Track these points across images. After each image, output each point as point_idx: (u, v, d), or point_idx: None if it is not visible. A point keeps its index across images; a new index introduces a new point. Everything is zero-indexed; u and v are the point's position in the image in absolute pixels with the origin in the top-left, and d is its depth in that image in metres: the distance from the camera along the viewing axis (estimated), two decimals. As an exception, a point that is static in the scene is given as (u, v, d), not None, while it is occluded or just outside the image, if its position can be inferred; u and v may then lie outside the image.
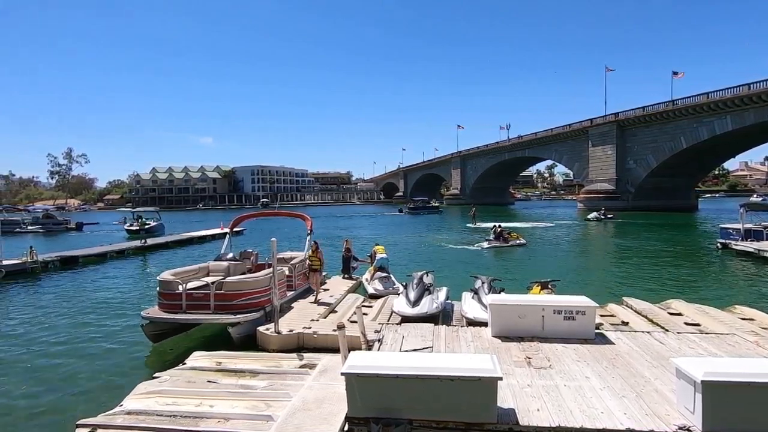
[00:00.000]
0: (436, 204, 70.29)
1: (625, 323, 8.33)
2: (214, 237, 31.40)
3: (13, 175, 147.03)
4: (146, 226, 27.12)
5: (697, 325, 8.01)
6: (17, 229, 40.31)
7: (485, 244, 23.20)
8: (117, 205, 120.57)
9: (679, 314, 8.81)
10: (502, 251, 22.48)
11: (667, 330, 7.57)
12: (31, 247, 18.61)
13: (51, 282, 16.42)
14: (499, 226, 24.92)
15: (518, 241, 24.12)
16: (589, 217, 44.15)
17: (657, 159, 56.28)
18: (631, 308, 9.35)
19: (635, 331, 7.43)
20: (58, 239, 35.32)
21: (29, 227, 42.50)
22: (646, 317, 8.65)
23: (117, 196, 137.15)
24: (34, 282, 16.34)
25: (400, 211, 67.49)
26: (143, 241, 25.89)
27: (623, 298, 10.20)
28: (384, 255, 12.77)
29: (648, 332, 7.30)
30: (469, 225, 39.93)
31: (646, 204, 56.10)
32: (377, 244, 13.94)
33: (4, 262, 16.94)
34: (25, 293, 14.47)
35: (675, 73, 61.40)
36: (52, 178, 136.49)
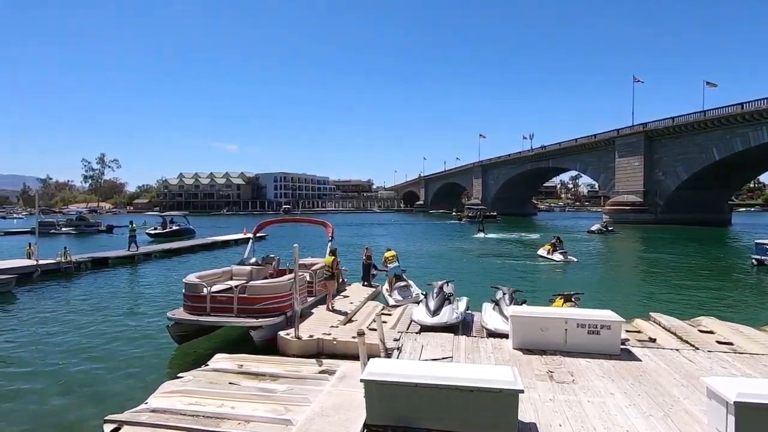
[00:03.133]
0: (494, 213, 70.62)
1: (653, 340, 8.06)
2: (237, 242, 32.04)
3: (50, 178, 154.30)
4: (135, 232, 24.34)
5: (730, 344, 7.67)
6: (52, 231, 42.08)
7: (561, 257, 22.12)
8: (145, 209, 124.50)
9: (711, 332, 8.45)
10: (517, 263, 22.06)
11: (697, 348, 7.29)
12: (65, 248, 19.40)
13: (83, 282, 17.05)
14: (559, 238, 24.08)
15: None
16: (592, 228, 42.94)
17: (687, 171, 54.46)
18: (660, 324, 9.03)
19: (663, 348, 7.19)
20: (89, 241, 36.67)
21: (63, 229, 44.30)
22: (675, 334, 8.34)
23: (146, 200, 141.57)
24: (68, 281, 17.00)
25: (460, 219, 67.63)
26: (135, 248, 23.13)
27: (651, 313, 9.86)
28: (396, 263, 12.70)
29: (677, 350, 7.06)
30: (477, 236, 38.15)
31: (675, 217, 54.24)
32: (388, 249, 13.82)
33: (41, 262, 17.71)
34: (59, 292, 15.07)
35: (708, 83, 59.60)
36: (85, 182, 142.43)
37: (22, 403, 6.48)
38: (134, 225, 24.59)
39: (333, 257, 10.63)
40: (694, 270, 20.13)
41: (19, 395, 6.76)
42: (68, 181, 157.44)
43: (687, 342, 7.81)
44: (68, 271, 18.41)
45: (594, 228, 42.84)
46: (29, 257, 18.53)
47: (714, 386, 4.13)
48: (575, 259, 22.20)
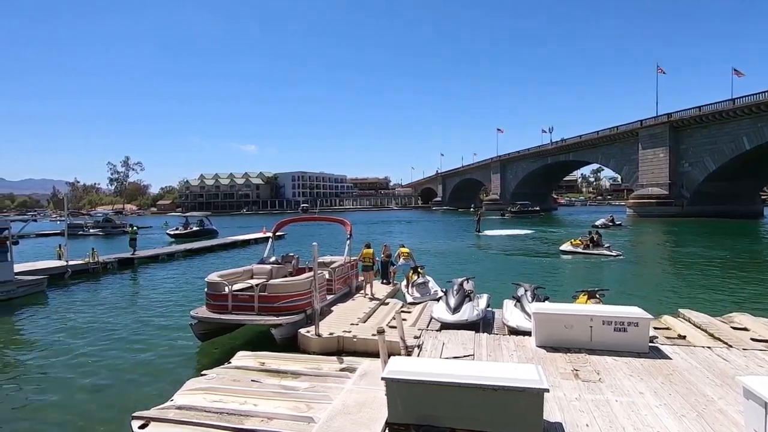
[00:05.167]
0: (537, 208, 69.86)
1: (682, 337, 7.79)
2: (257, 241, 32.49)
3: (78, 181, 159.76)
4: (136, 235, 23.38)
5: (766, 341, 7.35)
6: (80, 232, 43.51)
7: (610, 252, 21.69)
8: (168, 210, 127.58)
9: (745, 329, 8.11)
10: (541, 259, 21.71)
11: (730, 346, 7.00)
12: (93, 249, 20.01)
13: (110, 282, 17.57)
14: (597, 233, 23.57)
15: None
16: (596, 223, 41.19)
17: (716, 162, 52.50)
18: (689, 321, 8.73)
19: (694, 346, 6.94)
20: (116, 241, 37.74)
21: (91, 230, 45.74)
22: (706, 331, 8.04)
23: (168, 201, 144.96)
24: (96, 281, 17.54)
25: (502, 214, 66.86)
26: (132, 251, 22.59)
27: (679, 309, 9.54)
28: (402, 261, 12.83)
29: (709, 347, 6.80)
30: (475, 233, 37.30)
31: (703, 210, 52.40)
32: (402, 246, 13.82)
33: (70, 263, 18.31)
34: (88, 292, 15.56)
35: (736, 71, 57.24)
36: (111, 185, 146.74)
37: (53, 400, 6.69)
38: (135, 228, 24.44)
39: (371, 250, 11.66)
40: (723, 264, 19.40)
41: (50, 392, 7.00)
42: (95, 183, 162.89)
43: (719, 339, 7.52)
44: (96, 272, 18.99)
45: (599, 222, 41.41)
46: (59, 258, 19.18)
47: (751, 386, 3.94)
48: (621, 252, 21.81)
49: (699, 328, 8.27)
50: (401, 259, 12.93)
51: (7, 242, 14.17)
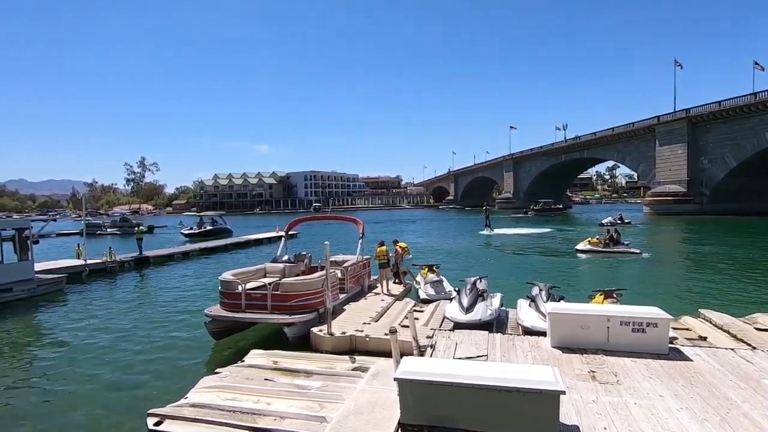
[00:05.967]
0: (560, 206, 68.80)
1: (703, 338, 7.58)
2: (270, 240, 32.74)
3: (96, 182, 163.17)
4: (144, 233, 23.11)
5: (792, 343, 7.10)
6: (98, 232, 44.44)
7: (631, 250, 21.50)
8: (183, 209, 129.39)
9: (769, 330, 7.87)
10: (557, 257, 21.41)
11: (754, 348, 6.79)
12: (110, 248, 20.39)
13: (127, 280, 17.88)
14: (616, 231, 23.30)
15: None
16: (603, 221, 40.01)
17: (737, 158, 51.07)
18: (710, 322, 8.49)
19: (716, 348, 6.74)
20: (132, 241, 38.30)
21: (108, 230, 46.67)
22: (728, 332, 7.81)
23: (183, 201, 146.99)
24: (113, 280, 17.86)
25: (525, 212, 66.23)
26: (140, 252, 22.28)
27: (700, 310, 9.28)
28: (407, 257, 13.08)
29: (732, 349, 6.60)
30: (483, 232, 35.99)
31: (724, 207, 50.98)
32: (398, 242, 13.66)
33: (89, 262, 18.69)
34: (105, 290, 15.86)
35: (757, 64, 55.56)
36: (128, 185, 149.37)
37: (70, 397, 6.82)
38: (141, 228, 24.26)
39: (385, 247, 11.95)
40: (745, 263, 18.85)
41: (67, 389, 7.14)
42: (112, 184, 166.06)
43: (742, 341, 7.30)
44: (113, 270, 19.34)
45: (606, 221, 40.12)
46: (78, 257, 19.58)
47: (779, 390, 3.80)
48: (642, 250, 21.57)
49: (721, 329, 8.04)
50: (406, 256, 13.07)
51: (28, 241, 14.52)
